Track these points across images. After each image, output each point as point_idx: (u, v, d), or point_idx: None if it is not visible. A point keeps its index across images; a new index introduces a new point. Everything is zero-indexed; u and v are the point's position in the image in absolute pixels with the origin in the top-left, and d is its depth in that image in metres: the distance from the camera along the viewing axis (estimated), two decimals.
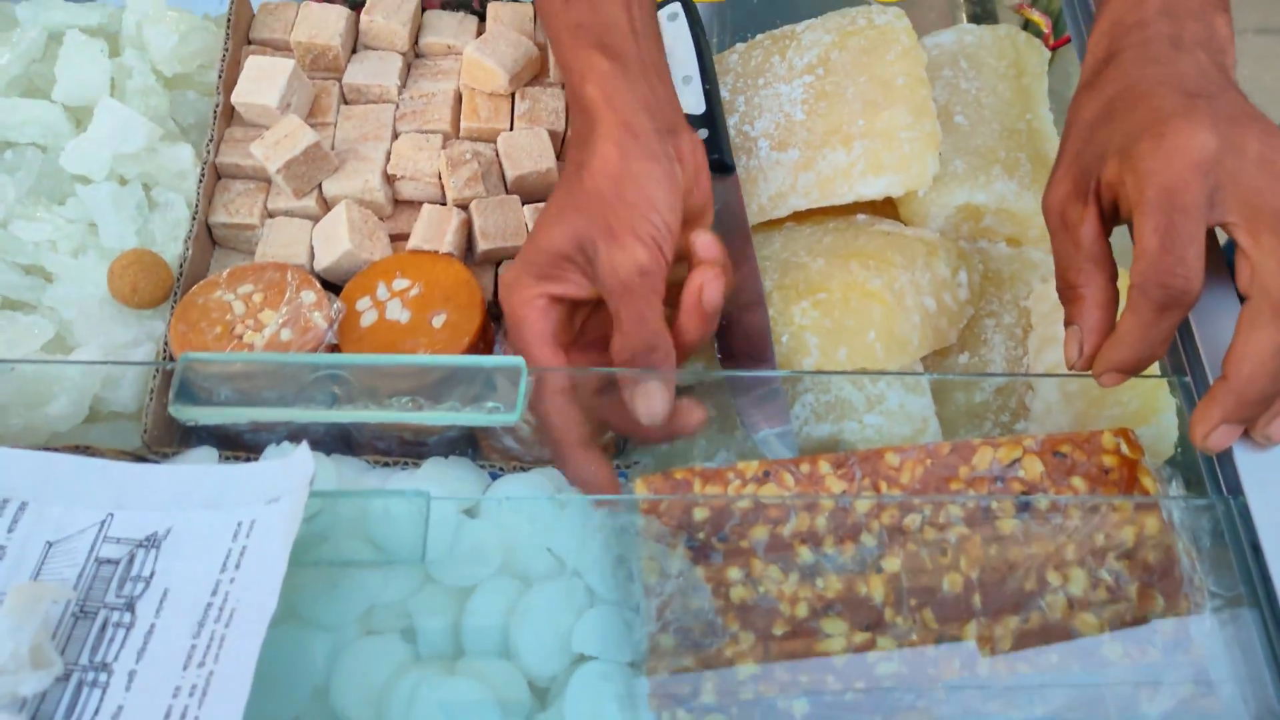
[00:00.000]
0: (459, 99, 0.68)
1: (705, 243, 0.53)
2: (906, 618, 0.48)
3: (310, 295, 0.58)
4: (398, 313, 0.59)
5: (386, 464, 0.57)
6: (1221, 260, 0.52)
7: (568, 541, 0.52)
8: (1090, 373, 0.50)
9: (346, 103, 0.68)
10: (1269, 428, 0.47)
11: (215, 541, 0.44)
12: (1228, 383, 0.46)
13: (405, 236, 0.63)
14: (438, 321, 0.59)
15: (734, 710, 0.47)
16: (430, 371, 0.52)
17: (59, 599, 0.43)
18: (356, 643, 0.48)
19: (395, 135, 0.66)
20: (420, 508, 0.48)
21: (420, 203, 0.64)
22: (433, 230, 0.61)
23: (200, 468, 0.48)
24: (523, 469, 0.56)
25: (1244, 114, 0.46)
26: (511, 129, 0.66)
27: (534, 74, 0.68)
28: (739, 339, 0.59)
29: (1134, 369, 0.47)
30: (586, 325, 0.55)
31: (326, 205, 0.64)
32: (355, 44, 0.70)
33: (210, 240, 0.64)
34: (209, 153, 0.64)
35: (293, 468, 0.45)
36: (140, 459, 0.53)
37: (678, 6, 0.67)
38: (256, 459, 0.53)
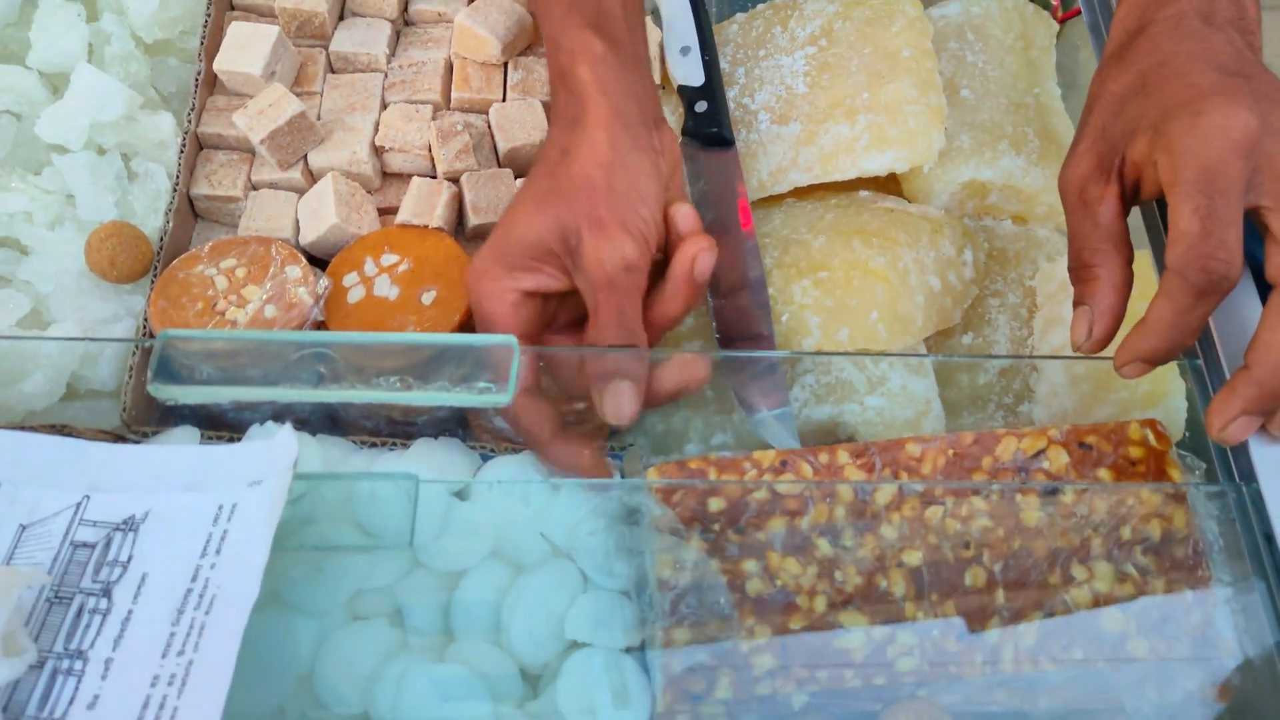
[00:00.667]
0: (450, 68, 0.66)
1: (685, 214, 0.52)
2: (928, 611, 0.47)
3: (295, 270, 0.56)
4: (386, 289, 0.57)
5: (374, 444, 0.55)
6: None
7: (560, 525, 0.51)
8: (1101, 356, 0.49)
9: (333, 71, 0.66)
10: None
11: (195, 525, 0.42)
12: (1250, 373, 0.44)
13: (394, 210, 0.61)
14: (427, 298, 0.57)
15: (751, 705, 0.46)
16: (419, 350, 0.50)
17: (32, 584, 0.41)
18: (343, 628, 0.46)
19: (384, 105, 0.64)
20: (408, 491, 0.46)
21: (409, 176, 0.62)
22: (422, 204, 0.60)
23: (180, 449, 0.46)
24: (515, 450, 0.54)
25: None
26: (504, 100, 0.64)
27: (527, 43, 0.66)
28: (738, 318, 0.58)
29: (1162, 359, 0.46)
30: (557, 311, 0.53)
31: (312, 177, 0.62)
32: (343, 10, 0.67)
33: (192, 213, 0.62)
34: (190, 122, 0.62)
35: (275, 449, 0.43)
36: (119, 439, 0.51)
37: None
38: (240, 439, 0.51)
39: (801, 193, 0.62)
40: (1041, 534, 0.48)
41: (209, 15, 0.65)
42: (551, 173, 0.51)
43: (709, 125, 0.62)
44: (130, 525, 0.43)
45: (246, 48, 0.62)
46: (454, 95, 0.64)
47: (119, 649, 0.40)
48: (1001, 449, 0.50)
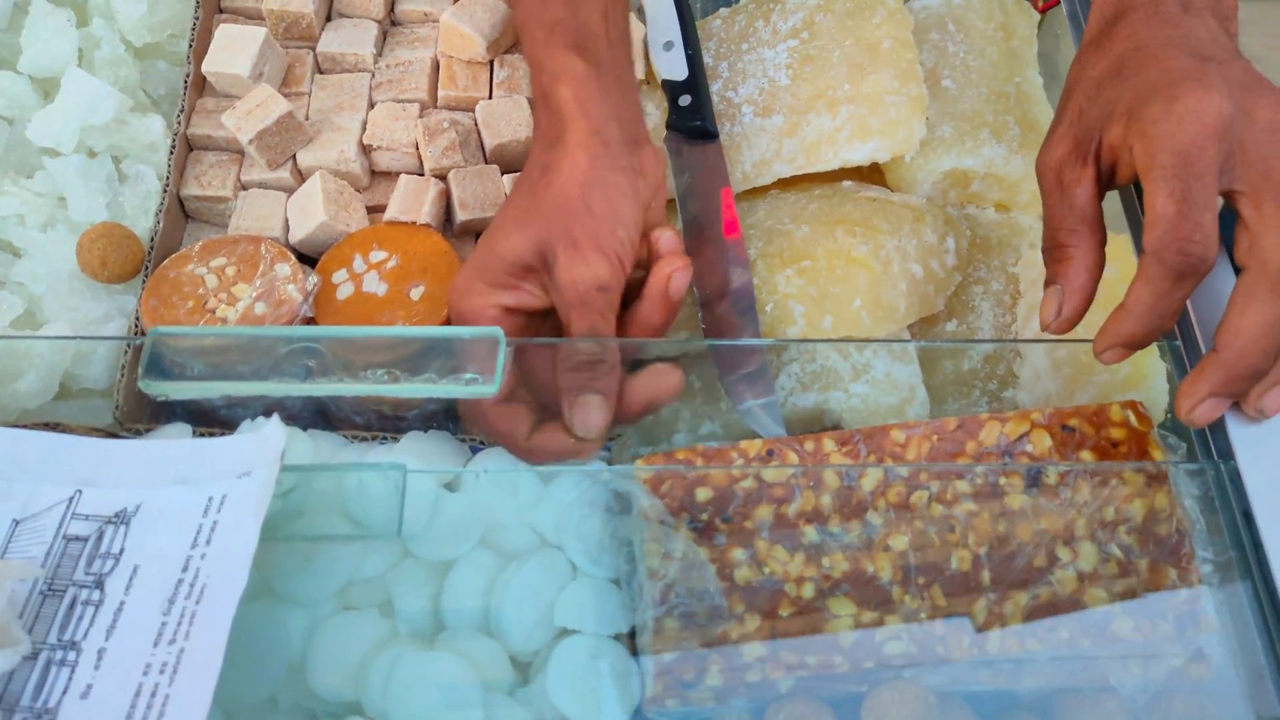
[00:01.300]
0: (436, 67, 0.66)
1: (668, 239, 0.53)
2: (915, 596, 0.47)
3: (285, 268, 0.57)
4: (375, 285, 0.58)
5: (364, 439, 0.56)
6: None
7: (549, 515, 0.51)
8: (1084, 339, 0.49)
9: (321, 72, 0.67)
10: (1263, 400, 0.46)
11: (186, 517, 0.43)
12: (1218, 355, 0.45)
13: (382, 208, 0.62)
14: (415, 294, 0.57)
15: (740, 692, 0.47)
16: (407, 343, 0.51)
17: (26, 577, 0.42)
18: (334, 618, 0.47)
19: (371, 105, 0.65)
20: (396, 481, 0.47)
21: (397, 173, 0.63)
22: (410, 201, 0.60)
23: (170, 443, 0.47)
24: None
25: (1255, 81, 0.45)
26: (490, 97, 0.65)
27: (512, 41, 0.67)
28: (723, 309, 0.58)
29: (1141, 343, 0.46)
30: (540, 328, 0.54)
31: (301, 176, 0.63)
32: (329, 11, 0.68)
33: (182, 213, 0.63)
34: (180, 124, 0.63)
35: (263, 441, 0.44)
36: (112, 436, 0.52)
37: None
38: (231, 435, 0.52)
39: (785, 184, 0.63)
40: (1026, 516, 0.48)
41: (197, 18, 0.65)
42: (532, 191, 0.52)
43: (693, 119, 0.62)
44: (122, 518, 0.44)
45: (234, 50, 0.62)
46: (440, 93, 0.65)
47: (111, 639, 0.40)
48: (985, 433, 0.51)
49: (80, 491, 0.45)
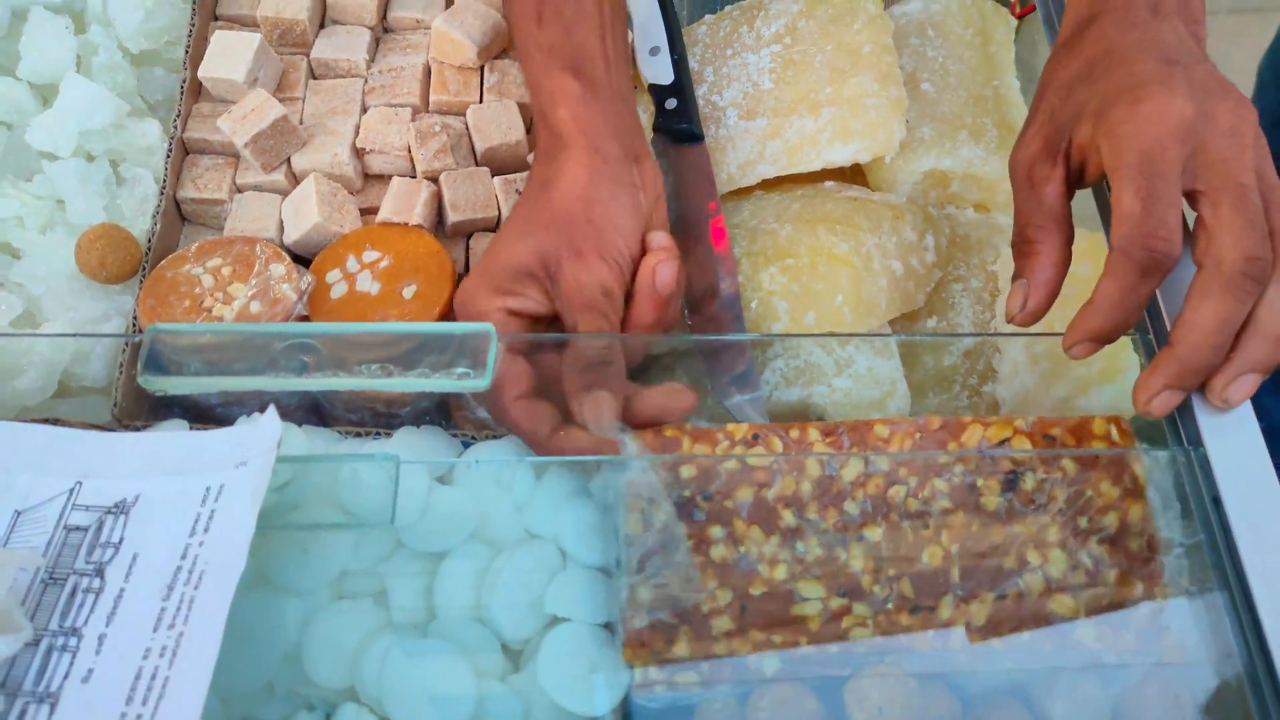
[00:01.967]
0: (428, 73, 0.68)
1: (659, 238, 0.54)
2: (884, 587, 0.48)
3: (279, 268, 0.58)
4: (368, 284, 0.59)
5: (359, 434, 0.57)
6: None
7: (540, 506, 0.52)
8: (1058, 333, 0.51)
9: (315, 78, 0.68)
10: (1228, 391, 0.47)
11: (184, 506, 0.44)
12: (1173, 350, 0.46)
13: (375, 210, 0.63)
14: (408, 292, 0.59)
15: (706, 665, 0.48)
16: (400, 340, 0.52)
17: (27, 566, 0.43)
18: (328, 607, 0.48)
19: (364, 109, 0.66)
20: (389, 471, 0.48)
21: (390, 176, 0.64)
22: (402, 202, 0.61)
23: (168, 435, 0.48)
24: (495, 437, 0.56)
25: (1218, 85, 0.47)
26: (481, 101, 0.66)
27: (503, 47, 0.68)
28: (710, 309, 0.60)
29: (1109, 338, 0.48)
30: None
31: (295, 179, 0.64)
32: (323, 19, 0.70)
33: (179, 216, 0.64)
34: (176, 128, 0.64)
35: (260, 431, 0.45)
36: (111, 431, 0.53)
37: None
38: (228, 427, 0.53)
39: (769, 184, 0.64)
40: (999, 518, 0.50)
41: (193, 25, 0.67)
42: (534, 204, 0.54)
43: (679, 121, 0.64)
44: (121, 508, 0.45)
45: (230, 55, 0.64)
46: (432, 98, 0.66)
47: (112, 625, 0.41)
48: (968, 435, 0.52)
49: (80, 483, 0.46)
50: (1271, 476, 0.48)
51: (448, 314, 0.59)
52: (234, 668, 0.45)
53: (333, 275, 0.59)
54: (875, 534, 0.49)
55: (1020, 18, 0.73)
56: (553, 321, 0.54)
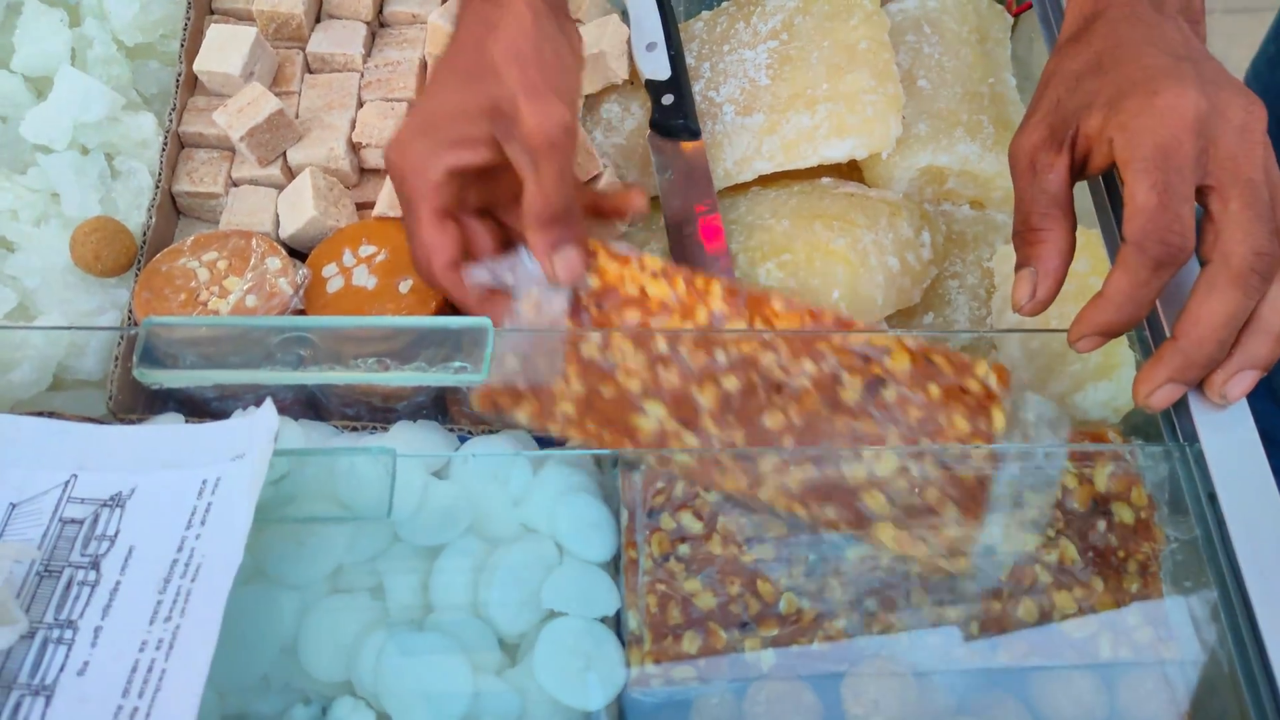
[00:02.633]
0: (424, 67, 0.68)
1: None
2: (721, 428, 0.50)
3: (275, 262, 0.58)
4: (364, 279, 0.59)
5: (355, 429, 0.57)
6: None
7: (536, 499, 0.52)
8: (1056, 329, 0.51)
9: (311, 72, 0.68)
10: (1226, 387, 0.47)
11: (180, 499, 0.44)
12: (1176, 343, 0.46)
13: (371, 205, 0.63)
14: (404, 287, 0.59)
15: (703, 661, 0.48)
16: (396, 334, 0.52)
17: (22, 558, 0.43)
18: (325, 600, 0.48)
19: (360, 104, 0.66)
20: (386, 464, 0.48)
21: (386, 170, 0.64)
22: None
23: (164, 428, 0.48)
24: (491, 432, 0.56)
25: (1228, 82, 0.47)
26: None
27: None
28: None
29: (1117, 332, 0.47)
30: (469, 193, 0.54)
31: (291, 173, 0.64)
32: (319, 13, 0.69)
33: (174, 209, 0.64)
34: (172, 121, 0.64)
35: (256, 424, 0.45)
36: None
37: None
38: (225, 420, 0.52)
39: (766, 180, 0.64)
40: (850, 413, 0.50)
41: (189, 18, 0.66)
42: (475, 49, 0.52)
43: (676, 117, 0.64)
44: (117, 501, 0.45)
45: (226, 49, 0.63)
46: None
47: (108, 617, 0.41)
48: (855, 336, 0.52)
49: (76, 475, 0.46)
50: (1267, 472, 0.48)
51: (444, 309, 0.59)
52: (230, 661, 0.45)
53: (329, 269, 0.59)
54: (731, 383, 0.50)
55: (1016, 15, 0.73)
56: (483, 176, 0.53)
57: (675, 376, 0.50)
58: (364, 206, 0.64)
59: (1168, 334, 0.52)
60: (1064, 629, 0.49)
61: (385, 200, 0.61)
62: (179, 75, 0.65)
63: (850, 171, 0.66)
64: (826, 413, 0.50)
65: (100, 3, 0.67)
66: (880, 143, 0.61)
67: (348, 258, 0.60)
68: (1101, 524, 0.51)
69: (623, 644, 0.50)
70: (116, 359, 0.56)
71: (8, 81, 0.64)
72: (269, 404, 0.45)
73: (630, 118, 0.67)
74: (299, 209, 0.61)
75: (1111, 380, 0.56)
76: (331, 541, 0.49)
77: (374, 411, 0.59)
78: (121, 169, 0.63)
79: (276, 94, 0.65)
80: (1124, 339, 0.56)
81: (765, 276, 0.58)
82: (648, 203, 0.54)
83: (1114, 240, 0.56)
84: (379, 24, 0.70)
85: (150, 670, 0.39)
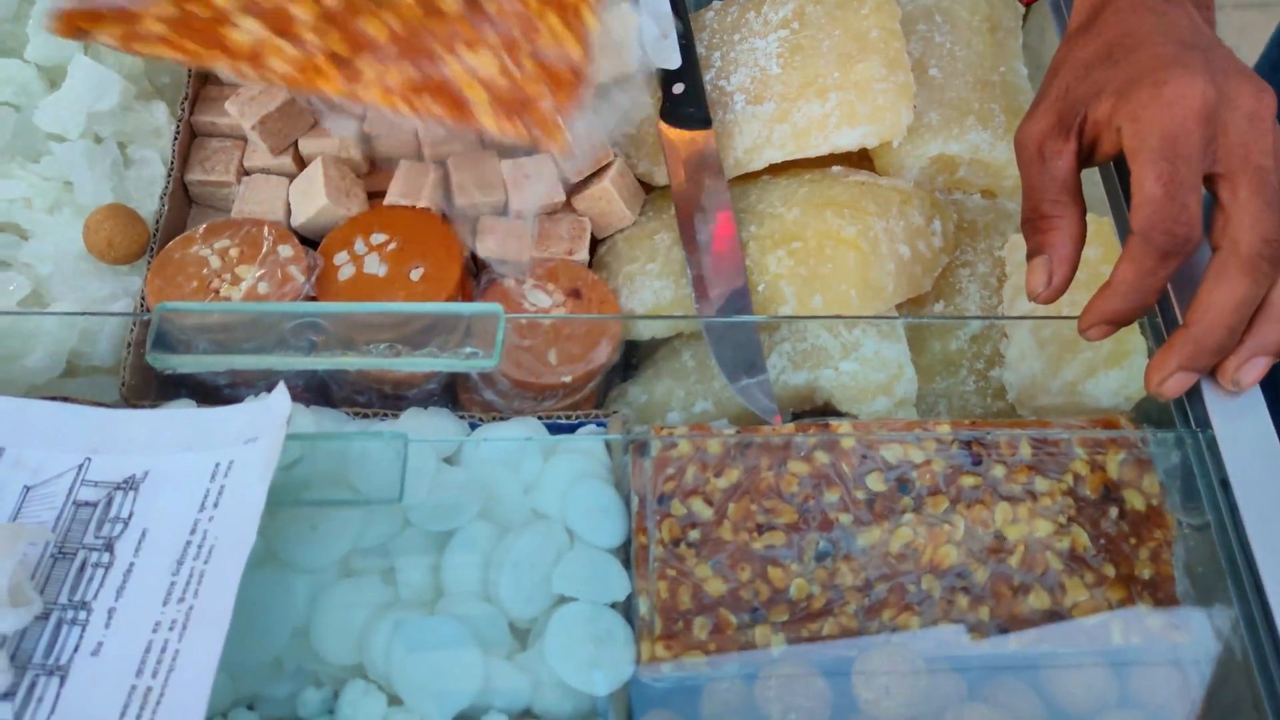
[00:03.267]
0: None
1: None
2: (320, 34, 0.51)
3: (288, 249, 0.58)
4: (376, 266, 0.59)
5: (365, 416, 0.57)
6: None
7: (547, 485, 0.52)
8: (1067, 316, 0.50)
9: None
10: (1239, 373, 0.47)
11: (193, 482, 0.44)
12: (1188, 330, 0.46)
13: (381, 194, 0.63)
14: (415, 275, 0.59)
15: (713, 646, 0.48)
16: (408, 320, 0.52)
17: (36, 540, 0.43)
18: (337, 584, 0.48)
19: None
20: (398, 449, 0.48)
21: (397, 160, 0.64)
22: (410, 185, 0.62)
23: (177, 412, 0.48)
24: (502, 420, 0.56)
25: (1237, 69, 0.47)
26: None
27: None
28: (717, 294, 0.60)
29: (1126, 321, 0.48)
30: None
31: (303, 163, 0.64)
32: None
33: (186, 198, 0.64)
34: (184, 110, 0.64)
35: (269, 407, 0.45)
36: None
37: None
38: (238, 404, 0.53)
39: (776, 169, 0.64)
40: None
41: None
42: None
43: (687, 106, 0.64)
44: (131, 484, 0.45)
45: None
46: None
47: (121, 599, 0.42)
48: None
49: (90, 459, 0.46)
50: None
51: (455, 296, 0.59)
52: (242, 644, 0.45)
53: (340, 257, 0.59)
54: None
55: (1028, 5, 0.73)
56: None
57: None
58: (374, 195, 0.64)
59: (1179, 320, 0.52)
60: (1075, 616, 0.49)
61: (397, 188, 0.62)
62: None
63: (860, 160, 0.66)
64: (425, 19, 0.51)
65: None
66: (892, 131, 0.61)
67: (359, 245, 0.60)
68: (1113, 511, 0.51)
69: (633, 630, 0.50)
70: (129, 345, 0.56)
71: (21, 71, 0.64)
72: (281, 388, 0.45)
73: (641, 107, 0.67)
74: (311, 197, 0.61)
75: (1123, 368, 0.56)
76: (343, 526, 0.49)
77: (385, 399, 0.59)
78: (134, 158, 0.63)
79: None
80: (1135, 326, 0.56)
81: (776, 265, 0.58)
82: None
83: (1126, 228, 0.56)
84: None
85: (164, 651, 0.40)
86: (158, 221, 0.61)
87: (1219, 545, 0.48)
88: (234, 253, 0.58)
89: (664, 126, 0.64)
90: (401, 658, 0.47)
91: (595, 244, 0.65)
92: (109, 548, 0.43)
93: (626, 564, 0.51)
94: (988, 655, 0.49)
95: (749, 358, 0.57)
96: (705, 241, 0.61)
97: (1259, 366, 0.47)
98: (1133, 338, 0.56)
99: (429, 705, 0.47)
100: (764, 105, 0.64)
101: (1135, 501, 0.51)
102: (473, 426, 0.56)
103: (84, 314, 0.57)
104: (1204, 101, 0.44)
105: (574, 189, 0.64)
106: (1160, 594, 0.49)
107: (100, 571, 0.43)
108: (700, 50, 0.68)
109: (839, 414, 0.58)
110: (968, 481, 0.51)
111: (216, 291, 0.57)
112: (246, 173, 0.64)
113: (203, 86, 0.66)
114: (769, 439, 0.52)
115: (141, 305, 0.59)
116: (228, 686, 0.45)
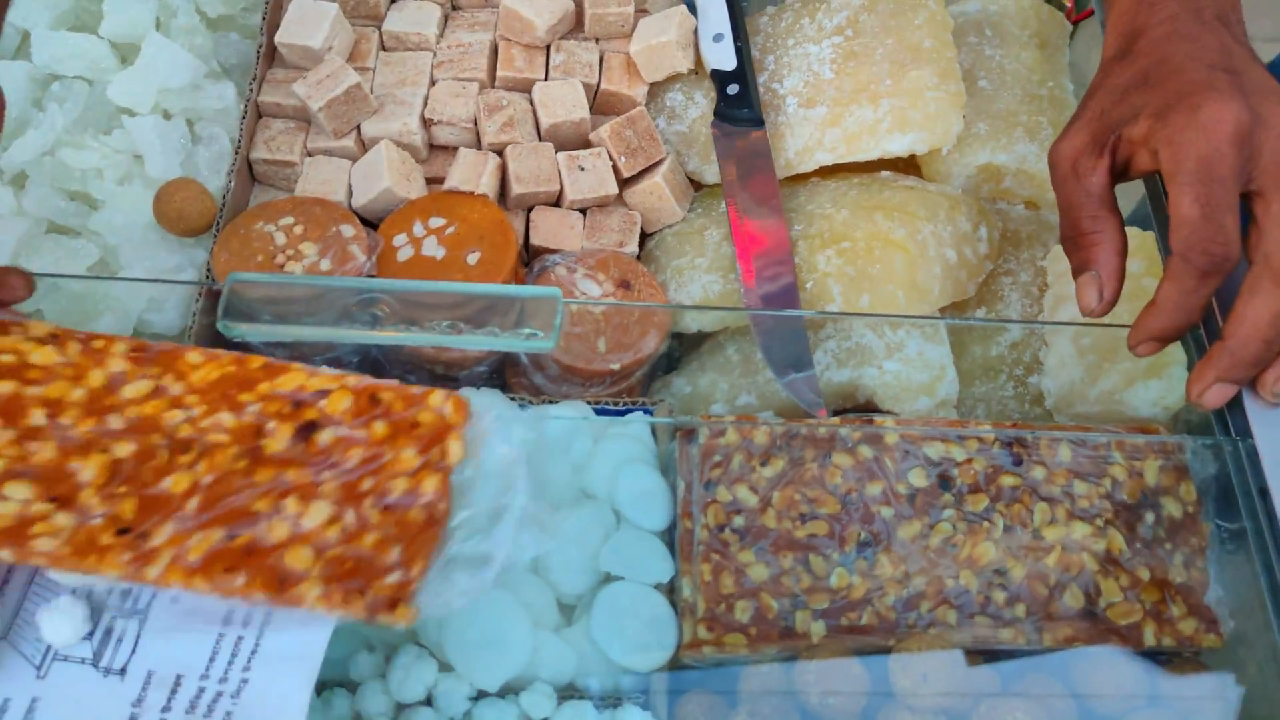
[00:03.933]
0: (494, 51, 0.69)
1: None
2: (105, 498, 0.41)
3: (349, 229, 0.60)
4: (433, 249, 0.61)
5: None
6: None
7: (597, 468, 0.54)
8: (1106, 323, 0.52)
9: (385, 49, 0.70)
10: (1277, 385, 0.49)
11: None
12: (1225, 343, 0.48)
13: (440, 181, 0.65)
14: (472, 259, 0.60)
15: (754, 629, 0.49)
16: (468, 301, 0.53)
17: None
18: None
19: (432, 82, 0.68)
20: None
21: (455, 147, 0.66)
22: (469, 172, 0.63)
23: None
24: (551, 403, 0.58)
25: (1272, 90, 0.48)
26: (546, 80, 0.68)
27: (569, 27, 0.70)
28: (766, 291, 0.61)
29: (1173, 337, 0.49)
30: None
31: (364, 146, 0.66)
32: None
33: (250, 176, 0.66)
34: (252, 91, 0.66)
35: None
36: None
37: None
38: None
39: (825, 173, 0.65)
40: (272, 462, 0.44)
41: None
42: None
43: (740, 106, 0.65)
44: None
45: (307, 23, 0.65)
46: (499, 74, 0.68)
47: None
48: (286, 380, 0.46)
49: None
50: None
51: (509, 281, 0.60)
52: None
53: (399, 239, 0.61)
54: (124, 449, 0.43)
55: (1076, 23, 0.74)
56: None
57: (51, 450, 0.43)
58: (433, 181, 0.66)
59: (1220, 327, 0.54)
60: (1109, 616, 0.50)
61: (456, 175, 0.63)
62: (259, 47, 0.67)
63: (907, 167, 0.67)
64: (246, 466, 0.44)
65: None
66: (942, 138, 0.62)
67: (418, 228, 0.61)
68: (1150, 515, 0.52)
69: (675, 611, 0.51)
70: (194, 314, 0.58)
71: (96, 46, 0.66)
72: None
73: (694, 106, 0.68)
74: (373, 180, 0.63)
75: (1162, 379, 0.57)
76: None
77: (435, 379, 0.61)
78: (202, 134, 0.65)
79: (352, 69, 0.66)
80: None
81: (825, 264, 0.59)
82: (29, 286, 0.47)
83: (1168, 247, 0.58)
84: (452, 6, 0.72)
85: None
86: (224, 197, 0.63)
87: (1255, 551, 0.49)
88: (298, 230, 0.60)
89: (718, 125, 0.66)
90: (454, 626, 0.48)
91: (644, 238, 0.66)
92: None
93: (671, 548, 0.53)
94: (1021, 650, 0.50)
95: (796, 353, 0.58)
96: (755, 238, 0.62)
97: None
98: (1172, 349, 0.57)
99: (478, 673, 0.48)
100: (816, 109, 0.65)
101: (1172, 508, 0.52)
102: (522, 407, 0.57)
103: (153, 280, 0.59)
104: (1238, 124, 0.46)
105: (625, 183, 0.66)
106: (1194, 599, 0.50)
107: None
108: (754, 53, 0.69)
109: (881, 413, 0.59)
110: (1008, 481, 0.53)
111: (280, 266, 0.58)
112: (309, 154, 0.66)
113: (269, 69, 0.68)
114: (814, 431, 0.54)
115: (207, 276, 0.60)
116: None
